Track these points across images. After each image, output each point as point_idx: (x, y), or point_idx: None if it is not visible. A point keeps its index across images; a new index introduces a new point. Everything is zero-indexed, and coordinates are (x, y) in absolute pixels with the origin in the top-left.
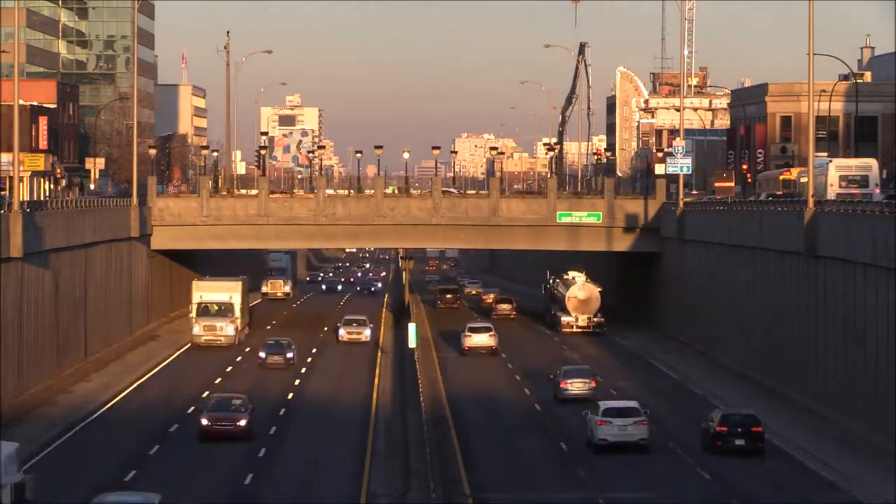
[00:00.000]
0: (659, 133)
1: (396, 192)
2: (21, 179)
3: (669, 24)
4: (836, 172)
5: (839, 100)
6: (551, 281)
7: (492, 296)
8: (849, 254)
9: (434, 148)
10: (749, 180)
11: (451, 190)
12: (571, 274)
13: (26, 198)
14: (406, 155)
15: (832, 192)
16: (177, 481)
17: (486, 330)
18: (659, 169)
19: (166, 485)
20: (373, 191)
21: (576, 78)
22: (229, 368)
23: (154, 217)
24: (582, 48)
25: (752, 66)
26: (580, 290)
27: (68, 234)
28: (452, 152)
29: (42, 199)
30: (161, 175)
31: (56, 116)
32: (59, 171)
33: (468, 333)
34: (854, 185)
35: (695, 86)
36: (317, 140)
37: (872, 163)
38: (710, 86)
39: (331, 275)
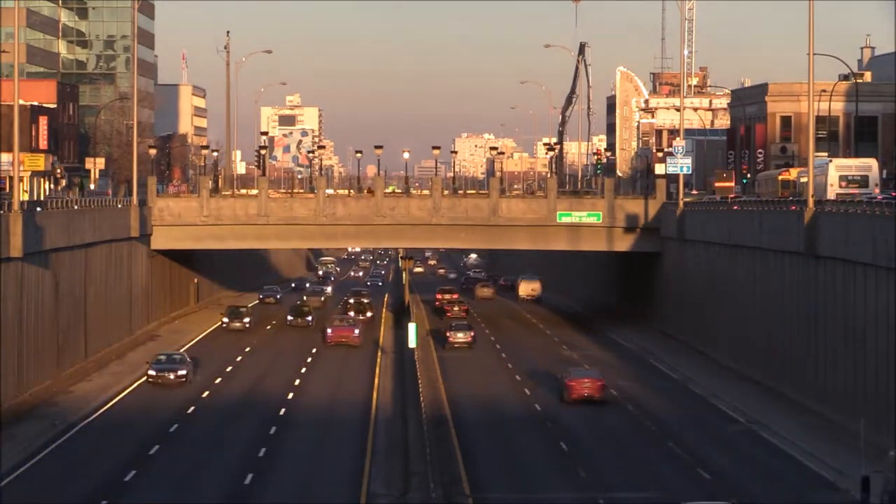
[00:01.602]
0: (659, 133)
1: (397, 191)
2: (21, 179)
3: (669, 24)
4: (836, 172)
5: (839, 100)
6: None
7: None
8: (849, 254)
9: (434, 148)
10: (749, 181)
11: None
12: None
13: (26, 198)
14: (406, 155)
15: (832, 192)
16: (177, 481)
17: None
18: (659, 169)
19: (166, 485)
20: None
21: (576, 78)
22: (229, 369)
23: (154, 217)
24: (582, 48)
25: (752, 66)
26: None
27: (68, 234)
28: (452, 152)
29: (42, 198)
30: (161, 175)
31: (56, 116)
32: (59, 171)
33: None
34: (854, 185)
35: (695, 86)
36: (317, 140)
37: (872, 163)
38: (710, 86)
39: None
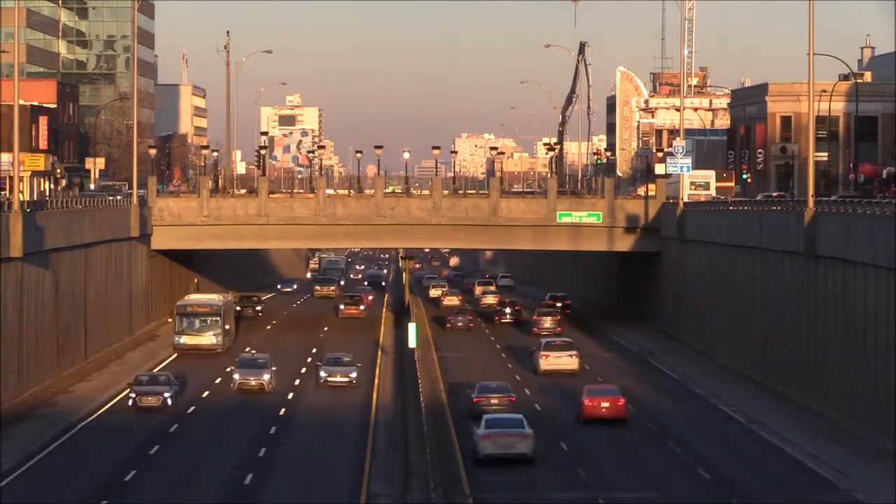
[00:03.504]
0: (659, 133)
1: (397, 191)
2: (21, 179)
3: (669, 24)
4: (689, 181)
5: (839, 100)
6: None
7: None
8: (849, 254)
9: (434, 148)
10: (749, 181)
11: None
12: None
13: (26, 198)
14: (406, 155)
15: (685, 194)
16: (177, 481)
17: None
18: (659, 169)
19: (166, 485)
20: (373, 191)
21: (576, 77)
22: (229, 368)
23: (154, 217)
24: (582, 47)
25: (752, 66)
26: None
27: (68, 234)
28: (452, 152)
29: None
30: (161, 175)
31: (56, 116)
32: (59, 171)
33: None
34: (700, 188)
35: (695, 86)
36: (317, 140)
37: (711, 174)
38: (710, 86)
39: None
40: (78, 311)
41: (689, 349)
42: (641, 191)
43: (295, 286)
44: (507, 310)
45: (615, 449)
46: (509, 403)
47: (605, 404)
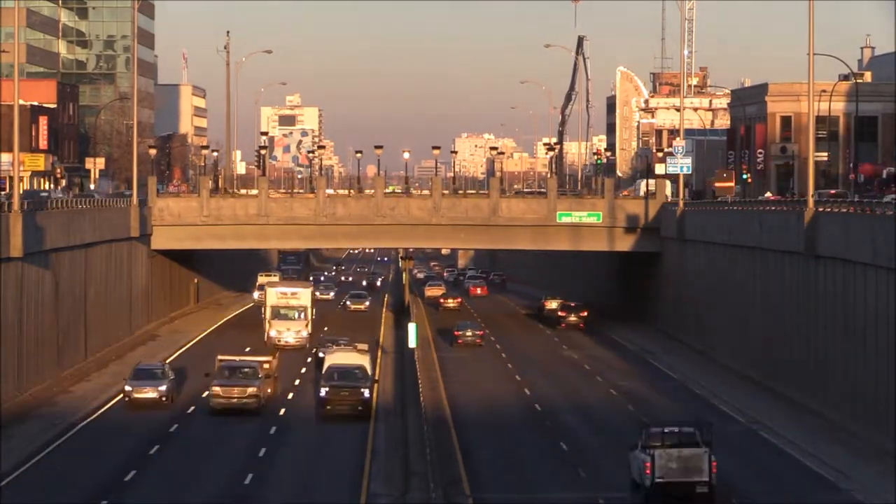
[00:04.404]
0: (659, 133)
1: (397, 191)
2: (21, 179)
3: (669, 24)
4: (642, 188)
5: (839, 100)
6: None
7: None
8: (849, 254)
9: (434, 148)
10: (749, 181)
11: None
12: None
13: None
14: (406, 155)
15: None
16: (177, 481)
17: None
18: (659, 169)
19: (166, 485)
20: (373, 191)
21: (575, 74)
22: None
23: (154, 217)
24: (580, 42)
25: (752, 66)
26: None
27: (68, 234)
28: (452, 152)
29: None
30: (161, 175)
31: (56, 116)
32: (59, 171)
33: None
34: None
35: (695, 86)
36: (317, 140)
37: (664, 182)
38: (710, 86)
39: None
40: (78, 311)
41: (689, 349)
42: (625, 193)
43: (165, 387)
44: (461, 278)
45: (615, 449)
46: (441, 280)
47: (479, 290)
